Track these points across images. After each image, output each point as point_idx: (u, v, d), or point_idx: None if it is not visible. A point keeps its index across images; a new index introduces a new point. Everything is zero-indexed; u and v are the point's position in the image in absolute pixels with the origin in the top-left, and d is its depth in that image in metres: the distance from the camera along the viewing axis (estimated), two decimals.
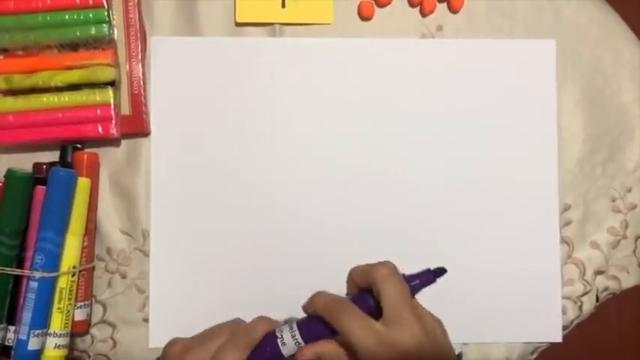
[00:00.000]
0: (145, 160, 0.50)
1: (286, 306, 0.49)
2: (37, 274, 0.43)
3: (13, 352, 0.43)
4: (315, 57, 0.50)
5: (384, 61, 0.51)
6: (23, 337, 0.43)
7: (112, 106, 0.47)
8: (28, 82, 0.47)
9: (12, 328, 0.44)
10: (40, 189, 0.45)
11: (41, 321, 0.44)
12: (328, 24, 0.51)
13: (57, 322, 0.45)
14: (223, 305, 0.49)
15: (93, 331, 0.49)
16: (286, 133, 0.50)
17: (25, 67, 0.47)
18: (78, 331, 0.47)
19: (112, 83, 0.48)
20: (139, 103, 0.49)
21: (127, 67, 0.49)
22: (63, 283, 0.45)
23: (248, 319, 0.49)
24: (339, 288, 0.49)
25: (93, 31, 0.47)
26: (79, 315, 0.47)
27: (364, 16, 0.51)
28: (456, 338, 0.48)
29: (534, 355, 0.51)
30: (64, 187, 0.45)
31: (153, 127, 0.50)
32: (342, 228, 0.50)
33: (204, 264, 0.49)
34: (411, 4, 0.51)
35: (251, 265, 0.49)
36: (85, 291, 0.47)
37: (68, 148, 0.48)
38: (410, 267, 0.39)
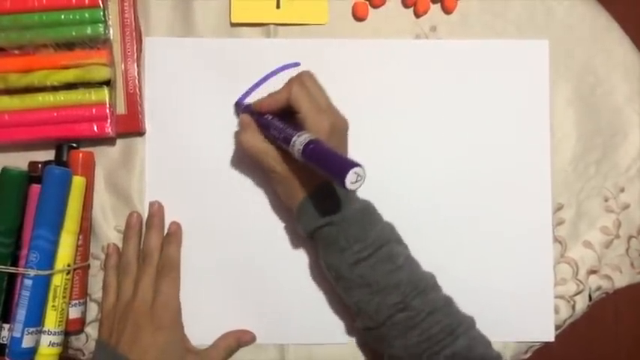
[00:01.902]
0: (139, 159, 0.50)
1: (284, 303, 0.49)
2: (32, 272, 0.43)
3: (7, 350, 0.44)
4: (309, 58, 0.50)
5: (379, 61, 0.51)
6: (17, 334, 0.43)
7: (108, 105, 0.48)
8: (23, 81, 0.47)
9: (6, 326, 0.44)
10: (36, 187, 0.45)
11: (35, 319, 0.44)
12: (323, 24, 0.51)
13: (51, 320, 0.45)
14: (217, 302, 0.49)
15: (87, 329, 0.49)
16: None
17: (20, 66, 0.47)
18: (72, 329, 0.47)
19: (108, 83, 0.48)
20: (134, 102, 0.49)
21: (123, 66, 0.49)
22: (57, 281, 0.45)
23: (245, 317, 0.49)
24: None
25: (89, 30, 0.47)
26: (74, 313, 0.47)
27: (358, 17, 0.51)
28: None
29: (528, 354, 0.51)
30: (59, 185, 0.45)
31: (148, 126, 0.50)
32: None
33: (196, 261, 0.49)
34: (405, 5, 0.52)
35: (243, 262, 0.50)
36: (80, 289, 0.47)
37: (63, 147, 0.48)
38: None
